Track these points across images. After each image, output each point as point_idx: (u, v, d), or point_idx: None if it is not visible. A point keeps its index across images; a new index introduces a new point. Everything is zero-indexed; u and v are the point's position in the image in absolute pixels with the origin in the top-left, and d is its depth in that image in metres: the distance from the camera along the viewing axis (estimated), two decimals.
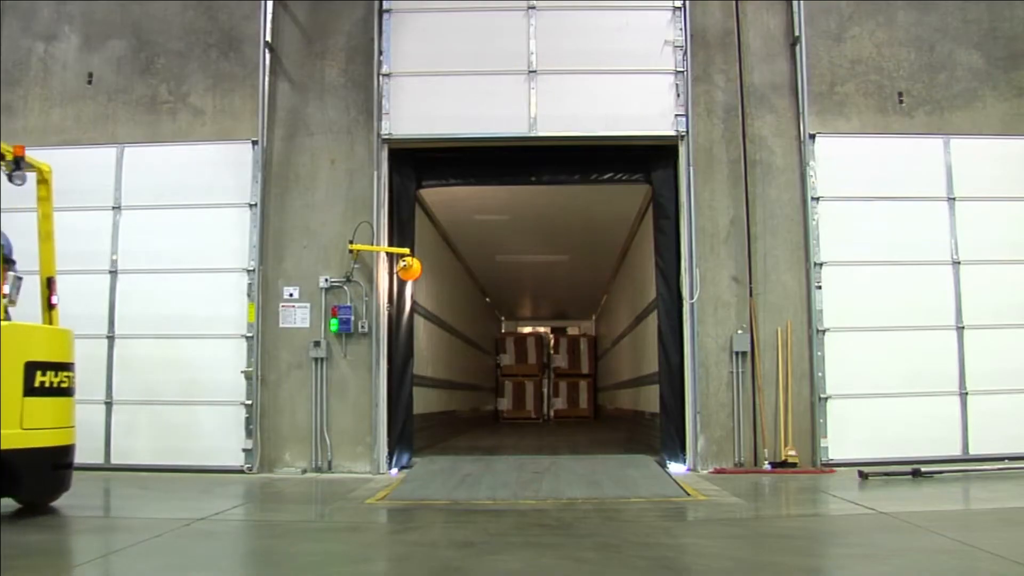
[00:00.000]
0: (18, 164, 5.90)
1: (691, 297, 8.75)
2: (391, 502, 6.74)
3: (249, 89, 9.05)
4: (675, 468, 8.68)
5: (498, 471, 8.37)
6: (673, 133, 8.95)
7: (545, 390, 23.09)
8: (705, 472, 8.50)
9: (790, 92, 9.08)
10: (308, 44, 9.25)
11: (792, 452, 8.52)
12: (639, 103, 8.99)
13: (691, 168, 8.85)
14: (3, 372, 5.50)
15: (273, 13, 9.15)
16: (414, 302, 9.73)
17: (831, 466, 8.45)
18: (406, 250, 9.06)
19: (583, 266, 17.67)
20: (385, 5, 9.08)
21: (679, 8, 9.05)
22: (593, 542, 5.00)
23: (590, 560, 4.60)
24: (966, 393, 8.72)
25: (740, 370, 8.75)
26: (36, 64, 9.32)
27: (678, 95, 8.95)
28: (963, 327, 8.80)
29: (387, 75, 9.00)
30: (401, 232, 9.19)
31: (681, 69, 8.96)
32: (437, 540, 5.05)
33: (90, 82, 9.25)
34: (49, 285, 6.22)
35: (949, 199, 8.97)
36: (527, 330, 26.68)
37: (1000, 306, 8.84)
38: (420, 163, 9.38)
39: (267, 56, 9.02)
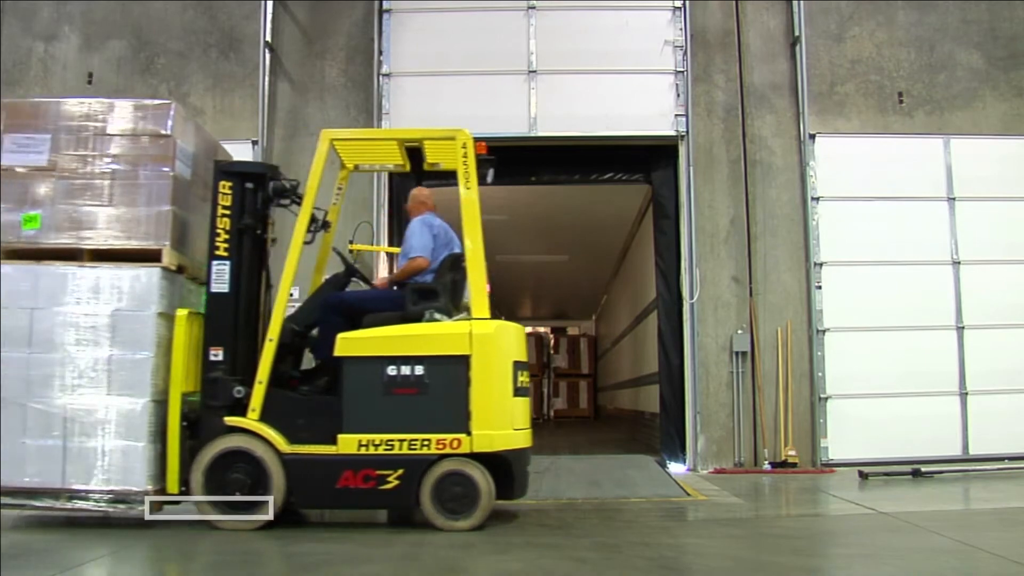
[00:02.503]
0: (487, 162, 5.86)
1: (691, 297, 8.75)
2: None
3: (249, 89, 9.06)
4: (675, 468, 8.68)
5: None
6: (673, 133, 8.95)
7: (545, 390, 23.09)
8: (705, 472, 8.50)
9: (790, 92, 9.09)
10: (308, 44, 9.26)
11: (792, 452, 8.52)
12: (639, 103, 8.99)
13: (691, 168, 8.86)
14: (499, 371, 5.31)
15: (273, 13, 9.16)
16: None
17: (831, 466, 8.46)
18: None
19: (583, 266, 17.66)
20: (385, 5, 9.09)
21: (679, 8, 9.05)
22: (593, 542, 5.01)
23: (590, 560, 4.60)
24: (966, 393, 8.72)
25: (740, 370, 8.75)
26: (36, 64, 9.32)
27: (678, 95, 8.96)
28: (963, 327, 8.81)
29: (387, 75, 9.01)
30: (401, 232, 9.17)
31: (681, 69, 8.97)
32: (437, 540, 5.05)
33: (90, 82, 9.24)
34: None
35: (949, 199, 8.97)
36: (527, 330, 26.63)
37: (1000, 306, 8.85)
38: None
39: (267, 56, 9.03)
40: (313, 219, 5.78)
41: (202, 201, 5.88)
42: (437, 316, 5.45)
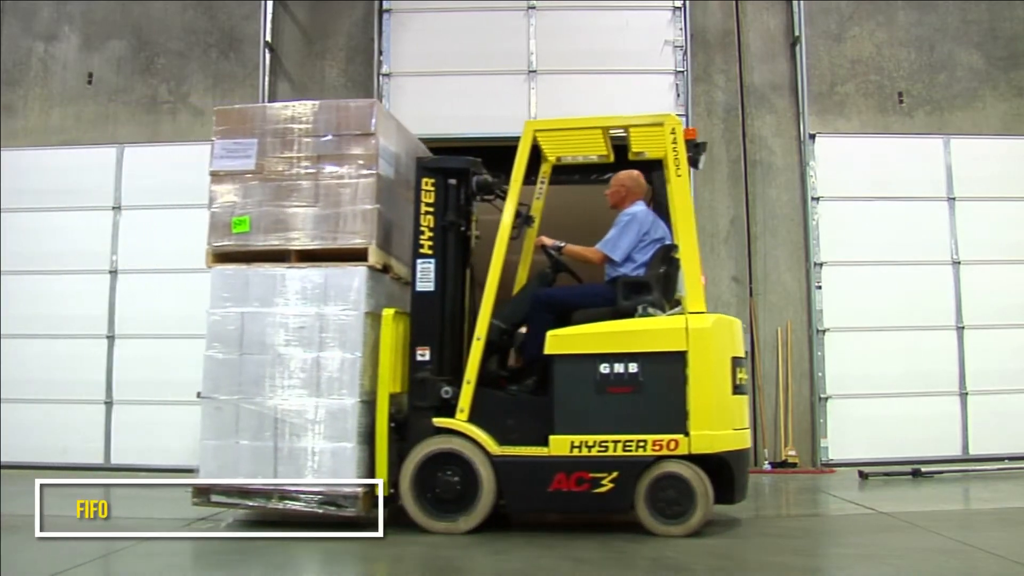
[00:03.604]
0: (698, 147, 5.64)
1: None
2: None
3: (249, 89, 9.05)
4: None
5: None
6: None
7: None
8: None
9: (790, 92, 9.08)
10: (308, 44, 9.26)
11: (792, 452, 8.52)
12: (639, 103, 8.92)
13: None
14: (717, 368, 5.06)
15: (273, 13, 9.15)
16: None
17: (831, 466, 8.45)
18: None
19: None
20: (385, 5, 9.08)
21: (679, 8, 9.04)
22: (593, 542, 5.00)
23: (590, 560, 4.61)
24: (966, 393, 8.71)
25: None
26: (36, 64, 9.31)
27: (678, 95, 8.95)
28: (963, 327, 8.80)
29: (387, 75, 9.00)
30: None
31: (681, 69, 8.96)
32: (437, 540, 5.05)
33: (90, 82, 9.24)
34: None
35: (949, 199, 8.96)
36: None
37: (1000, 306, 8.84)
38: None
39: (267, 56, 9.02)
40: (517, 214, 5.63)
41: (404, 200, 5.83)
42: (650, 311, 5.24)
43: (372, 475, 5.24)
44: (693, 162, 5.58)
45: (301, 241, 5.53)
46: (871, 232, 8.90)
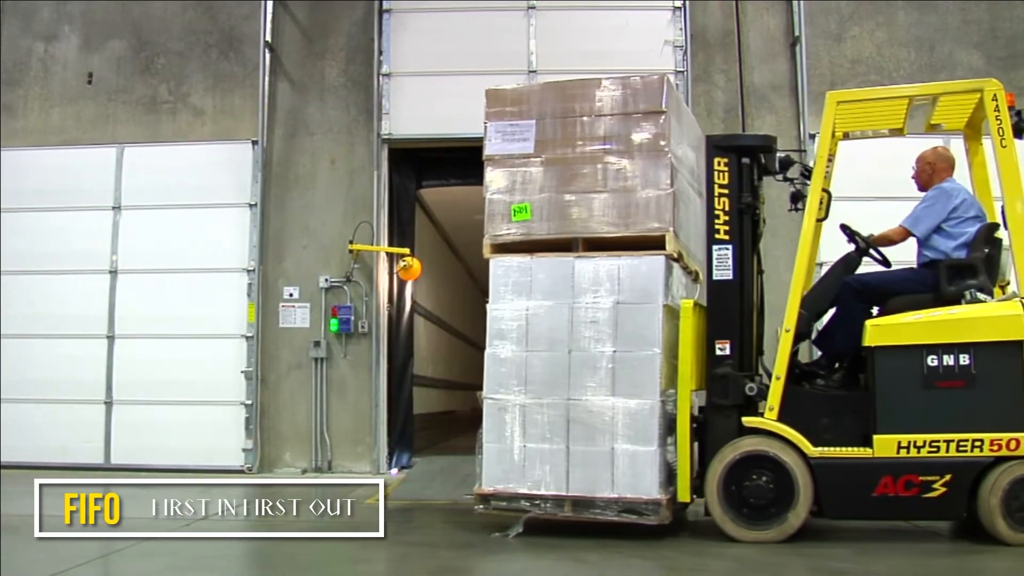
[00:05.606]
0: (1020, 115, 5.15)
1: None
2: (391, 502, 6.72)
3: (249, 89, 9.05)
4: None
5: None
6: None
7: None
8: None
9: (790, 92, 9.07)
10: (308, 44, 9.25)
11: None
12: None
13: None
14: None
15: (273, 13, 9.14)
16: (414, 302, 9.73)
17: None
18: (406, 250, 9.05)
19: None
20: (385, 5, 9.07)
21: (679, 8, 9.03)
22: (593, 542, 5.00)
23: (590, 560, 4.60)
24: None
25: None
26: (36, 64, 9.31)
27: None
28: None
29: (387, 75, 8.99)
30: (401, 232, 9.18)
31: (681, 69, 8.95)
32: (437, 540, 5.05)
33: (90, 82, 9.24)
34: None
35: None
36: None
37: None
38: (420, 163, 9.37)
39: (267, 56, 9.01)
40: (799, 196, 5.31)
41: (685, 182, 5.52)
42: (979, 296, 4.85)
43: (673, 479, 4.98)
44: (1018, 131, 5.13)
45: (590, 229, 5.17)
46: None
